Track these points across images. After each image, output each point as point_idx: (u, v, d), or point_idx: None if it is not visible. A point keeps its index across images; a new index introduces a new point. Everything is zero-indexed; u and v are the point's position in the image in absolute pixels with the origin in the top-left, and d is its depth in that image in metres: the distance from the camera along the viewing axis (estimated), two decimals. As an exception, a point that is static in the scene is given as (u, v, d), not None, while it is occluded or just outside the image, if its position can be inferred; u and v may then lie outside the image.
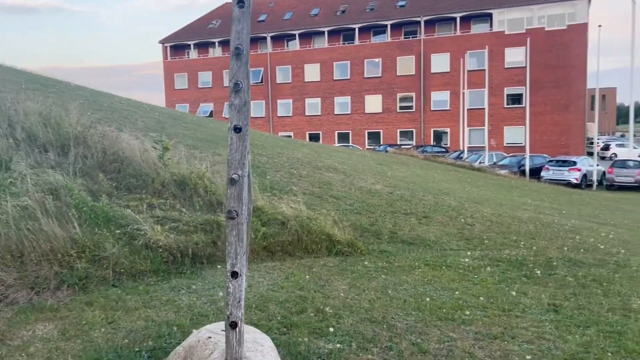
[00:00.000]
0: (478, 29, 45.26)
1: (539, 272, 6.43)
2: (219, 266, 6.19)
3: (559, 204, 13.96)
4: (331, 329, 4.49)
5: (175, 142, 10.18)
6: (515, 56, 42.60)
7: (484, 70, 36.99)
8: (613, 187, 26.45)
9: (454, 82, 43.68)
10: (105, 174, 7.42)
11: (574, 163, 27.48)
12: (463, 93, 38.87)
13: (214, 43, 55.39)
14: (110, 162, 7.74)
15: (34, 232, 5.54)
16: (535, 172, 28.32)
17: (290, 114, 51.12)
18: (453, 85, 43.95)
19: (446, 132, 45.56)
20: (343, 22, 49.40)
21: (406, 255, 7.09)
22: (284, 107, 51.75)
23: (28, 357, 3.97)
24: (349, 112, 48.72)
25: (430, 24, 46.30)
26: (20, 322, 4.57)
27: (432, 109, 45.75)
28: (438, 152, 36.94)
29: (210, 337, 3.32)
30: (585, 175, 27.23)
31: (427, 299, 5.36)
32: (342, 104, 49.00)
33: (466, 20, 45.42)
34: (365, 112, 47.66)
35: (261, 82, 52.58)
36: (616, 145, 49.75)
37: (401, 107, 46.80)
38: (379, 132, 47.54)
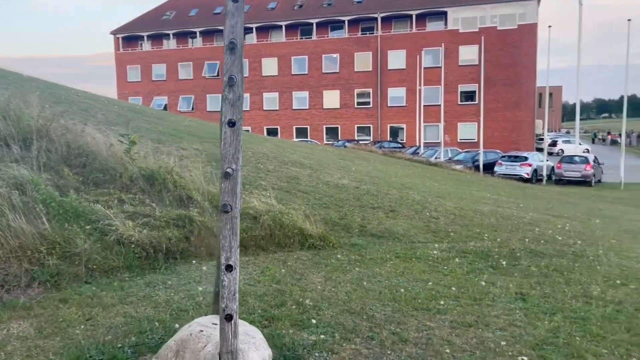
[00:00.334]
0: (433, 26, 46.17)
1: (504, 262, 6.70)
2: (194, 261, 6.16)
3: (515, 197, 14.50)
4: (313, 321, 4.57)
5: (139, 136, 9.98)
6: (469, 54, 43.76)
7: (440, 67, 37.82)
8: (561, 181, 27.63)
9: (410, 78, 44.44)
10: (71, 168, 7.22)
11: (526, 158, 28.52)
12: (419, 90, 39.59)
13: (168, 35, 54.29)
14: (75, 157, 7.54)
15: (1, 228, 5.36)
16: (489, 167, 29.22)
17: (248, 108, 50.72)
18: (409, 82, 44.71)
19: (402, 128, 46.35)
20: (301, 16, 49.38)
21: (377, 248, 7.23)
22: (241, 101, 51.26)
23: (7, 356, 3.86)
24: (307, 107, 48.82)
25: (387, 20, 46.89)
26: (-8, 320, 4.43)
27: (388, 105, 46.43)
28: (395, 147, 37.53)
29: (202, 331, 3.34)
30: (535, 170, 28.30)
31: (402, 290, 5.51)
32: (300, 98, 49.03)
33: (422, 18, 46.26)
34: (324, 107, 47.89)
35: (217, 75, 51.95)
36: (562, 141, 51.90)
37: (359, 103, 47.27)
38: (337, 128, 47.87)
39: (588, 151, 41.48)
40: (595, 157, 29.60)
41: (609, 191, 24.58)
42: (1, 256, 5.18)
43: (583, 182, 27.00)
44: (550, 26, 30.90)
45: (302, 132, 48.16)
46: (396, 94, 46.18)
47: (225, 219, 3.15)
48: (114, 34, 55.51)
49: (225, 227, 3.16)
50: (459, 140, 43.07)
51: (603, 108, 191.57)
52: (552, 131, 74.73)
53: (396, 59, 46.00)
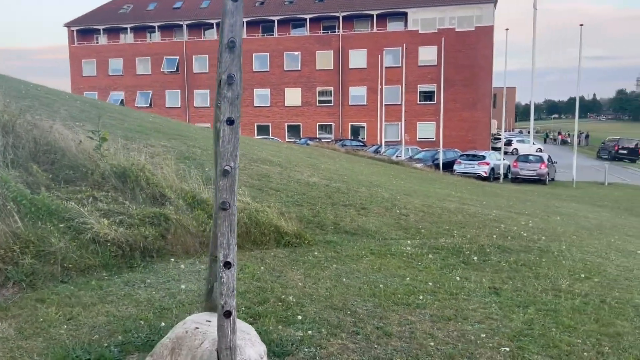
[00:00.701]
0: (394, 26, 46.81)
1: (475, 258, 6.92)
2: (172, 259, 6.10)
3: (477, 195, 14.93)
4: (299, 317, 4.62)
5: (102, 132, 9.76)
6: (428, 55, 44.61)
7: (400, 67, 38.38)
8: (518, 179, 28.55)
9: (370, 78, 44.93)
10: (39, 165, 7.02)
11: (484, 157, 29.34)
12: (380, 89, 40.08)
13: (125, 29, 53.02)
14: (43, 153, 7.33)
15: (-29, 227, 5.18)
16: (448, 166, 29.91)
17: (208, 105, 50.13)
18: (370, 81, 45.21)
19: (363, 127, 46.82)
20: (262, 13, 49.11)
21: (351, 245, 7.34)
22: (201, 97, 50.67)
23: (-11, 358, 3.76)
24: (269, 105, 48.65)
25: (348, 19, 47.22)
26: (-32, 322, 4.29)
27: (350, 103, 46.78)
28: (357, 145, 37.88)
29: (197, 328, 3.34)
30: (493, 169, 29.15)
31: (381, 286, 5.63)
32: (261, 96, 48.80)
33: (382, 18, 46.82)
34: (285, 105, 47.82)
35: (177, 71, 51.13)
36: (517, 141, 53.56)
37: (320, 101, 47.45)
38: (299, 125, 47.90)
39: (541, 150, 42.98)
40: (549, 157, 30.72)
41: (563, 189, 25.60)
42: (-27, 256, 5.01)
43: (538, 180, 27.99)
44: (507, 29, 31.86)
45: (263, 130, 47.94)
46: (357, 93, 46.60)
47: (224, 216, 3.17)
48: (68, 26, 53.78)
49: (223, 225, 3.17)
50: (418, 139, 43.84)
51: (553, 109, 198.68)
52: (506, 131, 77.03)
53: (357, 58, 46.41)
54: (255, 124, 48.71)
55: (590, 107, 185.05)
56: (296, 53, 47.68)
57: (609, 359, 4.13)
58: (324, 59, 47.05)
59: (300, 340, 4.22)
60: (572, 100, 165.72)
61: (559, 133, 77.08)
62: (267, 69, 48.46)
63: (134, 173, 7.39)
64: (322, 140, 39.35)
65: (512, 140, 53.72)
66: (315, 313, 4.80)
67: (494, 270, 6.47)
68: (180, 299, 5.02)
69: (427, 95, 45.32)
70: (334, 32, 47.36)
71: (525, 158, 29.61)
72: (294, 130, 47.90)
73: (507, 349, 4.16)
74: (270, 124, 48.59)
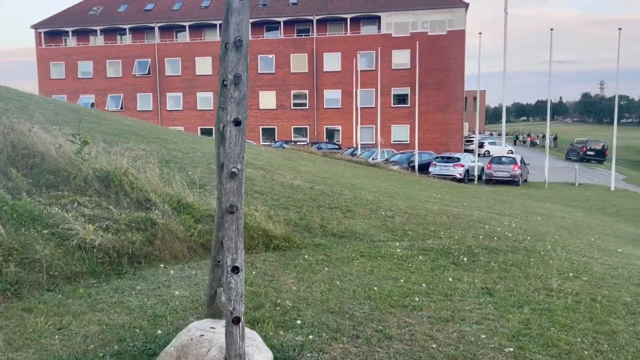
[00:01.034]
0: (367, 30, 47.08)
1: (464, 259, 6.95)
2: (161, 265, 5.96)
3: (456, 196, 15.06)
4: (298, 322, 4.55)
5: (84, 135, 9.51)
6: (401, 58, 44.98)
7: (374, 70, 38.59)
8: (491, 181, 28.97)
9: (345, 81, 45.07)
10: (18, 169, 6.79)
11: (458, 159, 29.67)
12: (355, 92, 40.22)
13: (95, 31, 52.01)
14: (22, 157, 7.10)
15: (-49, 234, 4.96)
16: (424, 168, 30.16)
17: (181, 108, 49.59)
18: (344, 84, 45.34)
19: (338, 130, 46.91)
20: (235, 16, 48.70)
21: (340, 247, 7.29)
22: (174, 100, 50.03)
23: (-21, 372, 3.58)
24: (243, 108, 48.25)
25: (322, 23, 47.30)
26: (-48, 334, 4.09)
27: (324, 106, 46.82)
28: (332, 148, 37.90)
29: (202, 335, 3.24)
30: (467, 171, 29.50)
31: (375, 288, 5.59)
32: (235, 99, 48.35)
33: (356, 22, 47.04)
34: (260, 108, 47.56)
35: (148, 73, 50.38)
36: (489, 143, 54.33)
37: (295, 104, 47.37)
38: (274, 129, 47.72)
39: (512, 152, 43.72)
40: (522, 158, 31.26)
41: (536, 190, 26.06)
42: (-46, 264, 4.79)
43: (511, 181, 28.45)
44: (480, 33, 32.36)
45: (237, 133, 47.50)
46: (332, 96, 46.68)
47: (231, 219, 3.08)
48: (35, 28, 52.48)
49: (230, 228, 3.09)
50: (392, 142, 44.12)
51: (521, 112, 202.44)
52: (478, 133, 78.13)
53: (331, 62, 46.50)
54: (230, 127, 48.24)
55: (556, 110, 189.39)
56: (270, 56, 47.50)
57: (608, 357, 4.17)
58: (299, 62, 47.00)
59: (302, 345, 4.14)
60: (539, 103, 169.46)
61: (528, 135, 78.60)
62: (241, 72, 48.09)
63: (117, 177, 7.21)
64: (298, 143, 39.27)
65: (484, 143, 54.47)
66: (313, 317, 4.73)
67: (484, 270, 6.50)
68: (173, 305, 4.89)
69: (401, 98, 45.69)
70: (308, 35, 47.38)
71: (498, 160, 30.06)
72: (268, 133, 47.69)
73: (511, 349, 4.17)
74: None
